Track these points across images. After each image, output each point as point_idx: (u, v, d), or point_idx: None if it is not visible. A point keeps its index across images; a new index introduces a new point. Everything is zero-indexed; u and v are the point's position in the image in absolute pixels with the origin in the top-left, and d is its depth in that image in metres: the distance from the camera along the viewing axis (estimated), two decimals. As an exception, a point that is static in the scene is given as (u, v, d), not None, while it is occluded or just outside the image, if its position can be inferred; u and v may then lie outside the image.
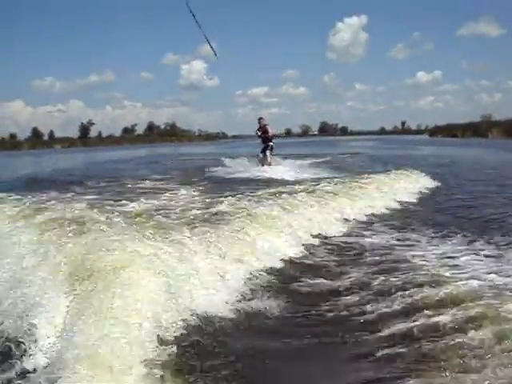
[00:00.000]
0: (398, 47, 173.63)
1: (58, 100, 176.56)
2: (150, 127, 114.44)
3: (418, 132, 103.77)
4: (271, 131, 14.96)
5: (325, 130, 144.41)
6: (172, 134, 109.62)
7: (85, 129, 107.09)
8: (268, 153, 14.81)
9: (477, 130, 53.18)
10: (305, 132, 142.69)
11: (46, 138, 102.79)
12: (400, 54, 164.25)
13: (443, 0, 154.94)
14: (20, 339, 3.05)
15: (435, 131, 67.50)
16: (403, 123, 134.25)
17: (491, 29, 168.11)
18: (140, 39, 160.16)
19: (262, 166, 14.58)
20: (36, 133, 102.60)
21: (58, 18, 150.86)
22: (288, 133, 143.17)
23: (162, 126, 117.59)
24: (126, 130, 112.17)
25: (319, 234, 5.78)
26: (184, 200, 7.85)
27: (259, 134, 14.82)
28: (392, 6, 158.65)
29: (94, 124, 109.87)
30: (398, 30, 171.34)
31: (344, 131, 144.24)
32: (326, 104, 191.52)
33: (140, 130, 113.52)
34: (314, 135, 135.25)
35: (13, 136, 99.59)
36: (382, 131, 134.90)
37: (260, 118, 15.25)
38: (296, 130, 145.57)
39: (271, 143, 14.86)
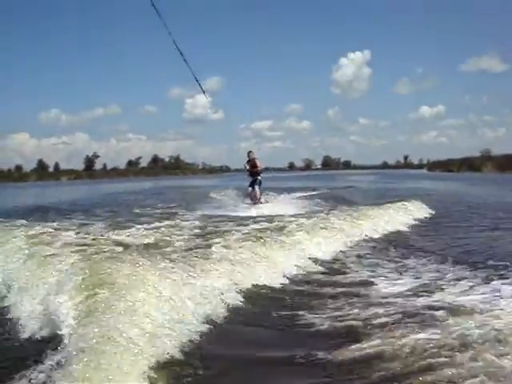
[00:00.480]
0: (402, 82, 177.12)
1: (62, 132, 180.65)
2: (155, 160, 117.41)
3: (420, 166, 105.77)
4: (260, 165, 15.11)
5: (328, 164, 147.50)
6: (176, 167, 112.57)
7: (90, 161, 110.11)
8: (257, 187, 14.91)
9: (472, 164, 55.22)
10: (308, 166, 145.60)
11: (51, 169, 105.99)
12: (403, 89, 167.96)
13: (446, 36, 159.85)
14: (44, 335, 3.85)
15: (433, 166, 69.72)
16: (405, 157, 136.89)
17: (494, 64, 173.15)
18: (145, 73, 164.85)
19: (251, 200, 14.85)
20: (41, 164, 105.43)
21: (64, 52, 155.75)
22: (291, 167, 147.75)
23: (167, 159, 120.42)
24: (130, 163, 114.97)
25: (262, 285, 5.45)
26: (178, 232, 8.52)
27: (247, 167, 15.00)
28: (395, 42, 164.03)
29: (98, 156, 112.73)
30: (402, 65, 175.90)
31: (347, 165, 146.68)
32: (329, 138, 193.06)
33: (144, 162, 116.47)
34: (317, 169, 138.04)
35: (19, 167, 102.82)
36: (385, 165, 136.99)
37: (249, 152, 15.43)
38: (299, 164, 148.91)
39: (259, 177, 14.96)
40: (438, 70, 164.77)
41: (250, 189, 15.05)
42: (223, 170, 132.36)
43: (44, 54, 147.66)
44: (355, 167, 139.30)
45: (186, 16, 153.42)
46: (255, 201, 14.69)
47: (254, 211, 12.80)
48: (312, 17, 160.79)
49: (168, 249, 6.53)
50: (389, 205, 12.26)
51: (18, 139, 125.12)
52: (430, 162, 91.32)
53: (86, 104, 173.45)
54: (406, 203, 12.69)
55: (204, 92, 8.86)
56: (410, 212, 11.76)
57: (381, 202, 13.91)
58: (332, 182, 34.92)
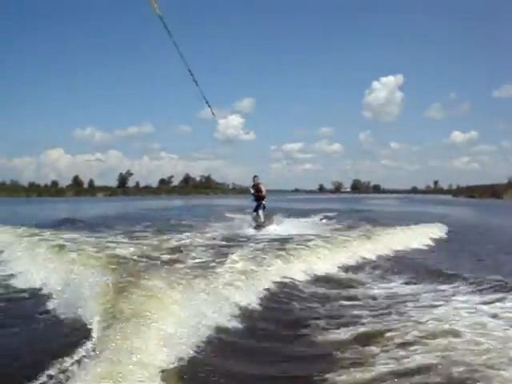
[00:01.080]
0: (434, 107, 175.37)
1: (96, 149, 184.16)
2: (186, 179, 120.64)
3: (449, 192, 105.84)
4: (264, 190, 15.52)
5: (357, 187, 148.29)
6: (207, 186, 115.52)
7: (123, 178, 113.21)
8: (261, 212, 15.43)
9: (494, 191, 56.26)
10: (337, 188, 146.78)
11: (85, 185, 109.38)
12: (436, 114, 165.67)
13: (480, 61, 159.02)
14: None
15: (458, 192, 70.80)
16: (435, 183, 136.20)
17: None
18: (180, 93, 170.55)
19: (256, 223, 15.21)
20: (77, 181, 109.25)
21: (102, 71, 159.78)
22: (321, 189, 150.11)
23: (198, 179, 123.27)
24: (162, 181, 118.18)
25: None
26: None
27: (252, 191, 15.48)
28: (428, 67, 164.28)
29: (132, 174, 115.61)
30: (434, 89, 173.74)
31: (376, 189, 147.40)
32: (360, 161, 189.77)
33: (176, 181, 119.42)
34: (347, 192, 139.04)
35: (54, 183, 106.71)
36: (414, 190, 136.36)
37: (255, 176, 15.79)
38: (329, 187, 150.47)
39: (263, 202, 15.49)
40: (471, 96, 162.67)
41: (255, 213, 15.64)
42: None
43: (81, 72, 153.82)
44: (384, 191, 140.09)
45: (219, 38, 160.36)
46: (259, 223, 15.14)
47: (256, 232, 13.67)
48: (345, 41, 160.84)
49: (189, 259, 8.00)
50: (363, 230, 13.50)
51: (53, 155, 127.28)
52: (458, 187, 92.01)
53: (121, 123, 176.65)
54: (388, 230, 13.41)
55: (213, 113, 8.88)
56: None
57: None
58: (354, 205, 36.96)
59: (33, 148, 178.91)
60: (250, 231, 13.88)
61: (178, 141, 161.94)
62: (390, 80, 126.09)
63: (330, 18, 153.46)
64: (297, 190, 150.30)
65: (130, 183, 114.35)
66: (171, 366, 3.64)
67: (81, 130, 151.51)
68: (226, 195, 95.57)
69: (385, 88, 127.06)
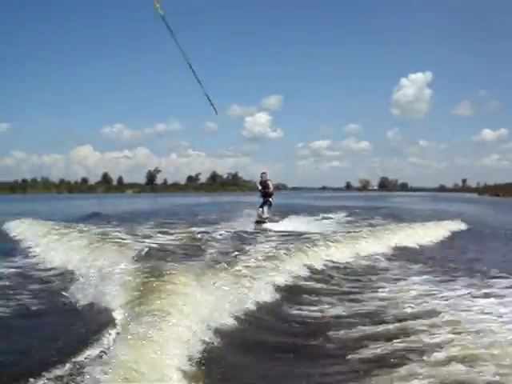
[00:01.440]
0: (463, 104, 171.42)
1: (125, 147, 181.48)
2: (213, 177, 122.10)
3: (476, 190, 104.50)
4: (272, 187, 15.40)
5: (384, 185, 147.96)
6: (234, 183, 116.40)
7: (151, 176, 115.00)
8: (266, 208, 15.21)
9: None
10: (364, 186, 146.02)
11: (114, 182, 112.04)
12: (465, 111, 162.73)
13: (509, 58, 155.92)
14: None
15: (484, 190, 70.53)
16: (464, 181, 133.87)
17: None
18: (206, 90, 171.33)
19: (260, 219, 15.13)
20: (106, 178, 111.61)
21: (130, 70, 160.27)
22: (348, 186, 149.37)
23: (225, 176, 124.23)
24: (190, 179, 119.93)
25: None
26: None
27: (260, 188, 15.36)
28: (457, 64, 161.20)
29: (160, 171, 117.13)
30: (463, 87, 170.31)
31: (404, 187, 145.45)
32: (387, 159, 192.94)
33: (203, 178, 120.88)
34: (374, 190, 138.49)
35: (84, 180, 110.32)
36: (442, 188, 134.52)
37: (263, 173, 15.70)
38: (356, 184, 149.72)
39: (270, 199, 15.33)
40: (500, 93, 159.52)
41: (260, 209, 15.47)
42: (279, 187, 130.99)
43: (110, 71, 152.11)
44: (412, 189, 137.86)
45: (247, 34, 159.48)
46: (260, 219, 15.08)
47: (256, 227, 14.19)
48: (373, 38, 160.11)
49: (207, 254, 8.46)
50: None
51: (82, 152, 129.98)
52: (486, 185, 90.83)
53: (149, 120, 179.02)
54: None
55: (216, 111, 8.38)
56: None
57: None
58: (378, 202, 38.02)
59: (62, 145, 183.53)
60: (251, 226, 14.32)
61: (205, 138, 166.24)
62: (419, 77, 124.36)
63: (358, 13, 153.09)
64: (324, 188, 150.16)
65: (158, 180, 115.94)
66: (191, 357, 3.76)
67: (109, 127, 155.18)
68: (252, 192, 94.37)
69: (413, 85, 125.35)
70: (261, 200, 15.55)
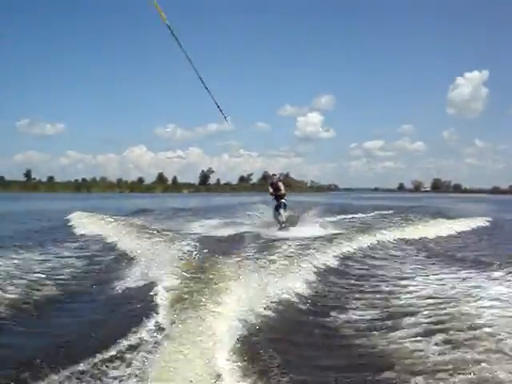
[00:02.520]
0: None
1: (177, 147, 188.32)
2: (265, 177, 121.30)
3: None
4: (283, 189, 15.00)
5: (437, 186, 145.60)
6: (285, 184, 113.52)
7: (205, 176, 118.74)
8: (282, 211, 14.78)
9: None
10: (417, 188, 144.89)
11: (169, 182, 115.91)
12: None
13: None
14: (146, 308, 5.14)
15: None
16: None
17: None
18: (258, 90, 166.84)
19: (279, 223, 14.86)
20: (161, 177, 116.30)
21: (179, 71, 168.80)
22: (400, 187, 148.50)
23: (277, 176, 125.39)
24: (242, 179, 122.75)
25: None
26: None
27: (271, 190, 14.89)
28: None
29: (213, 172, 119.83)
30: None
31: (457, 188, 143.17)
32: (443, 160, 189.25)
33: (255, 178, 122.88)
34: (426, 191, 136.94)
35: (141, 179, 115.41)
36: (495, 190, 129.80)
37: (273, 175, 15.77)
38: (408, 186, 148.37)
39: (283, 200, 14.85)
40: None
41: (276, 212, 15.07)
42: (331, 188, 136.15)
43: (164, 71, 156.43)
44: (466, 191, 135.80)
45: (300, 35, 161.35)
46: (281, 225, 14.81)
47: (279, 233, 13.37)
48: (427, 38, 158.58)
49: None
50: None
51: (136, 152, 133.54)
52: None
53: (201, 120, 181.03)
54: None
55: (226, 118, 8.01)
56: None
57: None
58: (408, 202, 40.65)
59: (116, 145, 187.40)
60: (277, 233, 13.56)
61: (256, 138, 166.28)
62: (475, 75, 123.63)
63: (413, 13, 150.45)
64: (376, 189, 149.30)
65: (211, 180, 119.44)
66: (237, 340, 4.39)
67: (162, 128, 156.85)
68: (302, 193, 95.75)
69: (469, 84, 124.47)
70: (274, 202, 15.25)
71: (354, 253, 10.13)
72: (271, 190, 14.90)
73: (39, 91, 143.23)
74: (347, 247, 10.44)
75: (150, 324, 4.57)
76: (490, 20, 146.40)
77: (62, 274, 7.87)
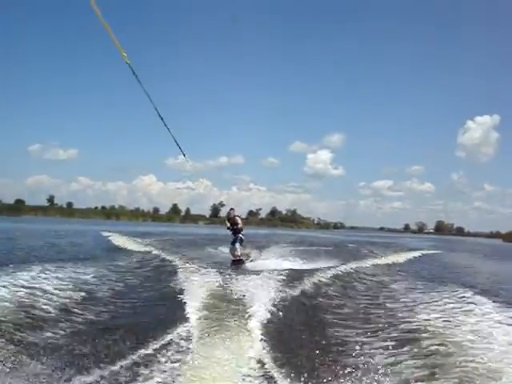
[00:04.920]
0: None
1: (187, 178, 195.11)
2: (273, 212, 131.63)
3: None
4: (240, 223, 15.04)
5: (440, 228, 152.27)
6: (292, 220, 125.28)
7: (216, 209, 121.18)
8: (237, 245, 14.79)
9: None
10: (420, 229, 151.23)
11: (182, 213, 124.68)
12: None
13: None
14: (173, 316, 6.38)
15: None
16: None
17: None
18: (269, 126, 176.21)
19: (233, 257, 14.74)
20: (175, 209, 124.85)
21: (192, 106, 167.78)
22: (406, 228, 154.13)
23: (284, 212, 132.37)
24: (251, 213, 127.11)
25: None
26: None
27: (228, 225, 14.92)
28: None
29: (224, 205, 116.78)
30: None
31: (460, 231, 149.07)
32: (451, 202, 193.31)
33: (263, 213, 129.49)
34: (429, 233, 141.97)
35: (156, 210, 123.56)
36: (496, 235, 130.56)
37: (231, 209, 15.39)
38: (414, 227, 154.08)
39: (240, 235, 14.90)
40: None
41: (231, 246, 15.10)
42: (337, 226, 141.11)
43: (176, 105, 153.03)
44: (469, 234, 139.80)
45: (313, 74, 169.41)
46: (235, 258, 14.73)
47: (234, 268, 13.39)
48: (439, 80, 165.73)
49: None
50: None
51: (145, 181, 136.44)
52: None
53: (212, 153, 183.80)
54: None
55: (184, 154, 9.44)
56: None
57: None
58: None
59: (127, 173, 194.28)
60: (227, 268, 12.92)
61: (266, 173, 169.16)
62: (486, 120, 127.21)
63: (426, 52, 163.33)
64: (382, 229, 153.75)
65: (222, 213, 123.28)
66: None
67: (173, 158, 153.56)
68: (308, 229, 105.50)
69: (480, 128, 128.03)
70: (232, 237, 15.24)
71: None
72: (228, 224, 14.99)
73: (53, 116, 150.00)
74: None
75: (183, 328, 5.88)
76: (502, 65, 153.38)
77: (113, 279, 10.07)
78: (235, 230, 15.05)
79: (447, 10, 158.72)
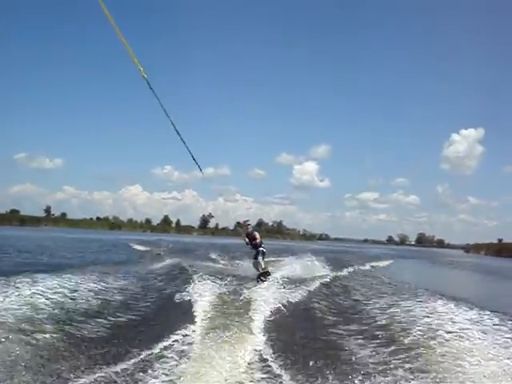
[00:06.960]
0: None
1: (173, 188, 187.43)
2: (260, 224, 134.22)
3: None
4: (259, 237, 15.14)
5: (421, 241, 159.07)
6: (278, 231, 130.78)
7: (205, 220, 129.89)
8: (260, 258, 14.79)
9: (495, 249, 76.50)
10: (402, 241, 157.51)
11: (173, 225, 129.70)
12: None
13: None
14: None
15: (472, 248, 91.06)
16: (500, 240, 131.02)
17: None
18: (256, 138, 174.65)
19: (259, 270, 14.51)
20: (166, 220, 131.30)
21: (183, 117, 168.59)
22: (389, 240, 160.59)
23: (270, 224, 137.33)
24: (239, 224, 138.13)
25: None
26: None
27: (247, 241, 15.08)
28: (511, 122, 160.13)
29: (213, 217, 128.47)
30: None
31: (440, 243, 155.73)
32: (436, 214, 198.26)
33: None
34: (411, 245, 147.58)
35: (148, 221, 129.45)
36: (473, 246, 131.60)
37: (248, 225, 15.67)
38: (396, 239, 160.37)
39: (261, 249, 15.03)
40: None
41: (254, 261, 15.19)
42: (322, 238, 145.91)
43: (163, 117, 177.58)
44: (449, 246, 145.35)
45: (302, 85, 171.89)
46: (262, 271, 14.51)
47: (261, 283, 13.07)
48: (424, 94, 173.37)
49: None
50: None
51: (132, 191, 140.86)
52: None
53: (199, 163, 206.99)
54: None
55: (201, 169, 9.76)
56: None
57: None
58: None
59: (112, 183, 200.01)
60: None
61: (252, 184, 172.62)
62: (471, 133, 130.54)
63: (412, 64, 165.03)
64: (366, 241, 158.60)
65: (211, 224, 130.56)
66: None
67: (160, 168, 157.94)
68: (292, 240, 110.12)
69: (465, 141, 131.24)
70: (252, 251, 15.25)
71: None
72: (247, 240, 15.06)
73: (39, 125, 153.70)
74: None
75: (188, 329, 6.22)
76: (488, 80, 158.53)
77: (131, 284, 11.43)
78: (255, 245, 15.12)
79: (434, 20, 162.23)
